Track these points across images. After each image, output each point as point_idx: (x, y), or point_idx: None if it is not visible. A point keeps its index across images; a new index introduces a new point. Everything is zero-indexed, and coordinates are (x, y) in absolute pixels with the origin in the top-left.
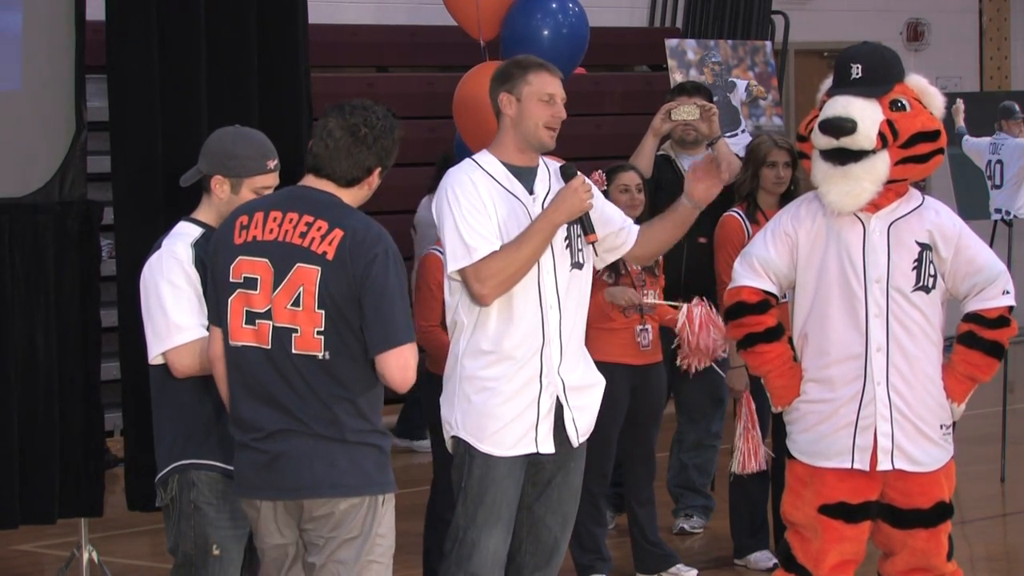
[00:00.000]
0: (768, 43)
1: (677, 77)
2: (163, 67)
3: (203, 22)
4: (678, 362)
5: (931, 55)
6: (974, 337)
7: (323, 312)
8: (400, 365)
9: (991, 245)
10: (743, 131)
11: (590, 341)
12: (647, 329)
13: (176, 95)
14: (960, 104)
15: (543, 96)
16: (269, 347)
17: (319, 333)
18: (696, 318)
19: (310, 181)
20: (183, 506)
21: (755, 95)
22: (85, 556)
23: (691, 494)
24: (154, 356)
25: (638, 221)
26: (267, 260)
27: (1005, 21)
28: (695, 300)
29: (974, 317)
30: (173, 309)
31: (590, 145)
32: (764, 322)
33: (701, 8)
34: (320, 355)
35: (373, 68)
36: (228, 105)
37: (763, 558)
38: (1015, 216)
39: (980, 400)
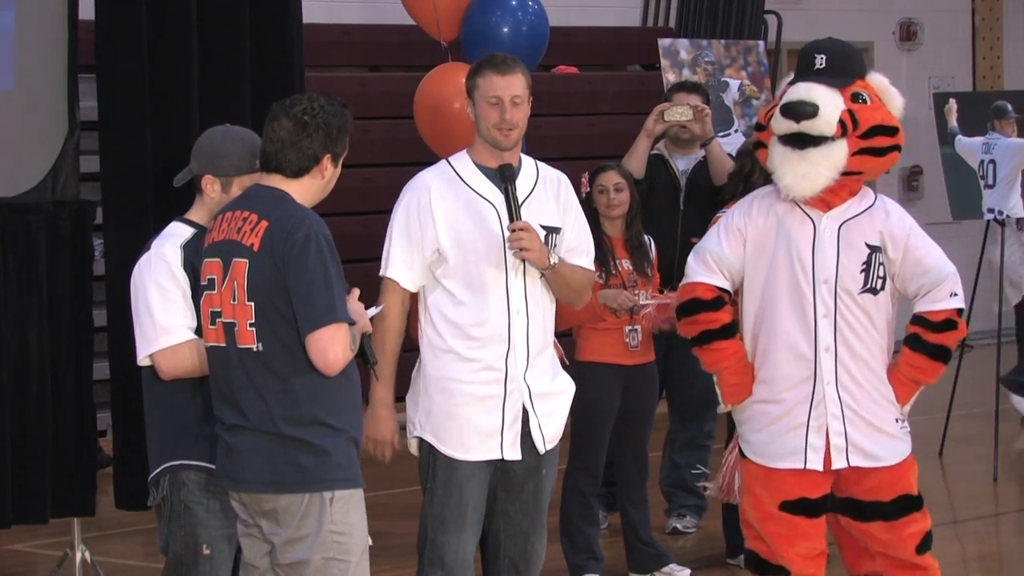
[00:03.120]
0: (761, 43)
1: (670, 77)
2: (154, 66)
3: (195, 21)
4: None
5: (924, 55)
6: (919, 340)
7: (253, 304)
8: (320, 347)
9: (983, 245)
10: (736, 131)
11: (580, 341)
12: (636, 330)
13: (167, 95)
14: (953, 104)
15: (489, 99)
16: (225, 344)
17: (251, 325)
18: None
19: (261, 178)
20: (174, 506)
21: (748, 95)
22: (78, 556)
23: (684, 494)
24: (141, 358)
25: (627, 221)
26: (219, 259)
27: (998, 21)
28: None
29: (919, 320)
30: (160, 311)
31: (583, 144)
32: (719, 319)
33: (694, 8)
34: (255, 347)
35: (366, 68)
36: (221, 105)
37: None
38: (1007, 216)
39: (972, 400)
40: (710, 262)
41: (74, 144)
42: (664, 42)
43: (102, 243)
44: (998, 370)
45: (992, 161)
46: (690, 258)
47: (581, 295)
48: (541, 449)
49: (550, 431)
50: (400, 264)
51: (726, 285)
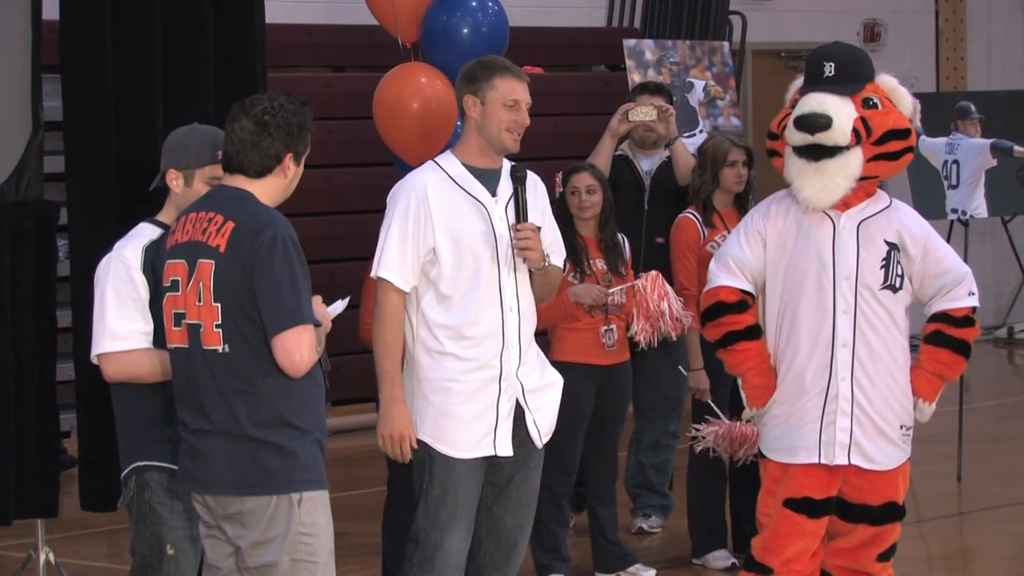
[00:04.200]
0: (726, 43)
1: (635, 77)
2: (117, 67)
3: (159, 21)
4: (632, 333)
5: (888, 56)
6: (941, 335)
7: (219, 305)
8: (285, 349)
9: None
10: (701, 131)
11: (556, 341)
12: (612, 329)
13: (131, 95)
14: (916, 104)
15: (507, 101)
16: (188, 346)
17: (217, 326)
18: (649, 286)
19: (224, 179)
20: (139, 507)
21: (713, 95)
22: (42, 557)
23: (649, 494)
24: (92, 358)
25: (601, 221)
26: (184, 261)
27: (961, 22)
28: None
29: (941, 316)
30: (112, 315)
31: (548, 145)
32: (744, 320)
33: (659, 8)
34: (220, 348)
35: (329, 68)
36: (184, 105)
37: (720, 557)
38: (971, 216)
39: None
40: (732, 266)
41: (38, 144)
42: (629, 43)
43: (66, 243)
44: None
45: (956, 161)
46: (712, 263)
47: (554, 292)
48: (538, 443)
49: (544, 425)
50: (394, 264)
51: (749, 288)
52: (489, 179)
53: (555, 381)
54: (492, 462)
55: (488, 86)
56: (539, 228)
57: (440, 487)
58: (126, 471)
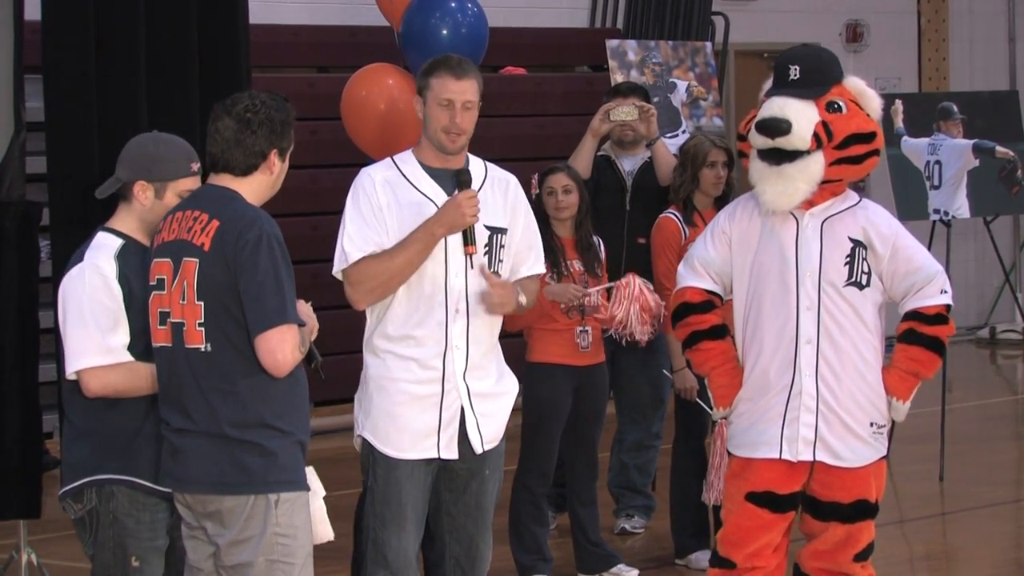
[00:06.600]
0: (708, 44)
1: (618, 77)
2: (100, 67)
3: (143, 21)
4: (612, 333)
5: (870, 56)
6: (914, 333)
7: (202, 304)
8: (268, 348)
9: (929, 246)
10: (683, 131)
11: (532, 342)
12: (587, 331)
13: (114, 96)
14: (899, 105)
15: (441, 101)
16: (172, 345)
17: (199, 325)
18: (629, 287)
19: (210, 179)
20: (102, 516)
21: (695, 96)
22: (24, 558)
23: (632, 494)
24: (70, 373)
25: (577, 222)
26: (169, 259)
27: (943, 23)
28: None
29: (913, 315)
30: (100, 329)
31: (531, 145)
32: (708, 320)
33: (641, 9)
34: (203, 347)
35: (314, 68)
36: (167, 106)
37: (704, 558)
38: (953, 216)
39: (919, 400)
40: (698, 267)
41: (20, 145)
42: (612, 43)
43: (48, 244)
44: (945, 370)
45: (938, 162)
46: (680, 265)
47: (533, 299)
48: (478, 449)
49: (488, 432)
50: (366, 243)
51: (715, 288)
52: (445, 179)
53: (509, 391)
54: (447, 467)
55: (427, 85)
56: (505, 229)
57: (383, 486)
58: (83, 482)
